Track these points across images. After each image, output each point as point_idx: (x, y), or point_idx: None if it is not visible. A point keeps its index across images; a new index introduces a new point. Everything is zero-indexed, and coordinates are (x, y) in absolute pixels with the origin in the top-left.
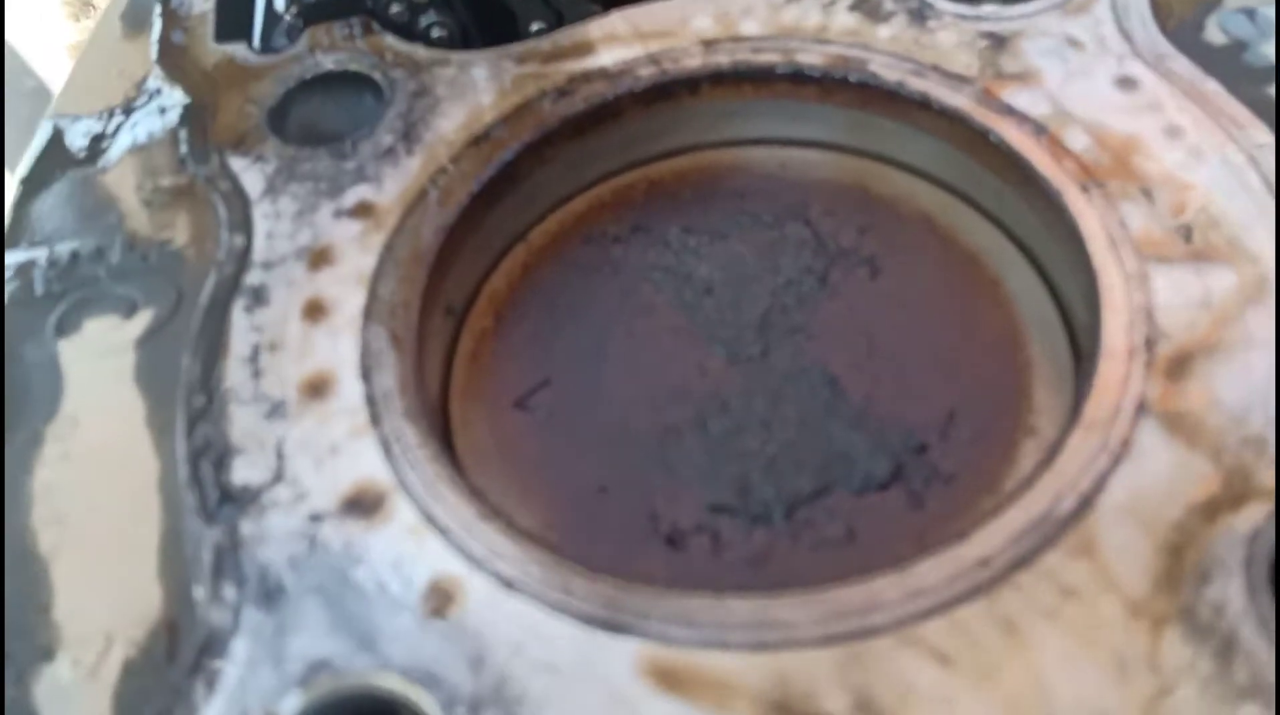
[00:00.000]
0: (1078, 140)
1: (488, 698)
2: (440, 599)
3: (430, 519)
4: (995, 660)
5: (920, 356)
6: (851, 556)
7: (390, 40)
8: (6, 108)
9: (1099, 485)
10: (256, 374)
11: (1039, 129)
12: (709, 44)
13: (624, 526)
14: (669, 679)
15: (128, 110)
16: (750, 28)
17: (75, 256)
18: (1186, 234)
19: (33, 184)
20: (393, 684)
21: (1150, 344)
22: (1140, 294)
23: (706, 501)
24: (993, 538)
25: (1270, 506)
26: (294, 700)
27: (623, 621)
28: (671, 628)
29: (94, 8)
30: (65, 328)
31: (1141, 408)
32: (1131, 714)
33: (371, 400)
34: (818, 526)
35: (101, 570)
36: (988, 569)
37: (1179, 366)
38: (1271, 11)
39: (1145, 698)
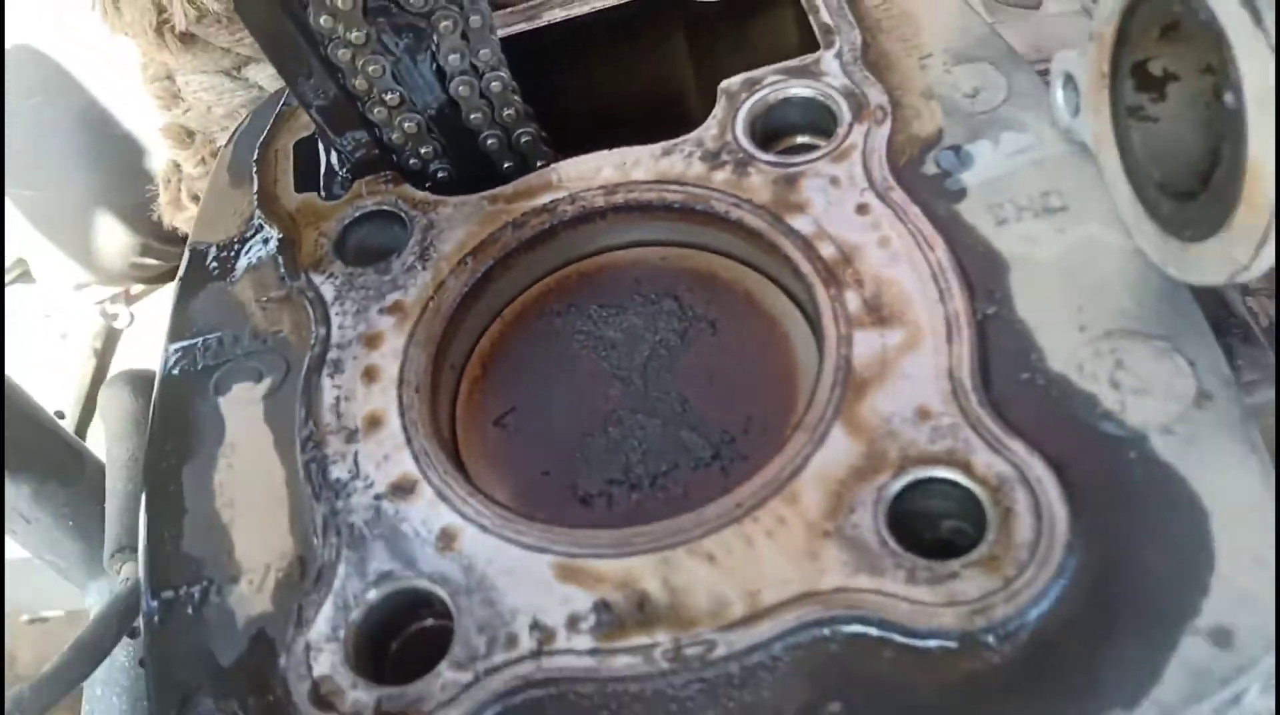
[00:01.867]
0: (827, 249)
1: (474, 589)
2: (447, 539)
3: (441, 495)
4: (739, 559)
5: (736, 383)
6: (683, 505)
7: (409, 188)
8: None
9: (805, 462)
10: (338, 414)
11: (805, 243)
12: (611, 189)
13: (556, 493)
14: (568, 574)
15: (242, 241)
16: (639, 174)
17: (221, 342)
18: (878, 310)
19: (185, 291)
20: (423, 584)
21: (844, 377)
22: (845, 347)
23: (605, 477)
24: (745, 492)
25: (892, 472)
26: (371, 594)
27: (545, 546)
28: (571, 548)
29: (182, 100)
30: (220, 389)
31: (834, 414)
32: (796, 586)
33: (406, 428)
34: (668, 489)
35: (258, 530)
36: (741, 509)
37: (859, 390)
38: (972, 147)
39: (809, 574)
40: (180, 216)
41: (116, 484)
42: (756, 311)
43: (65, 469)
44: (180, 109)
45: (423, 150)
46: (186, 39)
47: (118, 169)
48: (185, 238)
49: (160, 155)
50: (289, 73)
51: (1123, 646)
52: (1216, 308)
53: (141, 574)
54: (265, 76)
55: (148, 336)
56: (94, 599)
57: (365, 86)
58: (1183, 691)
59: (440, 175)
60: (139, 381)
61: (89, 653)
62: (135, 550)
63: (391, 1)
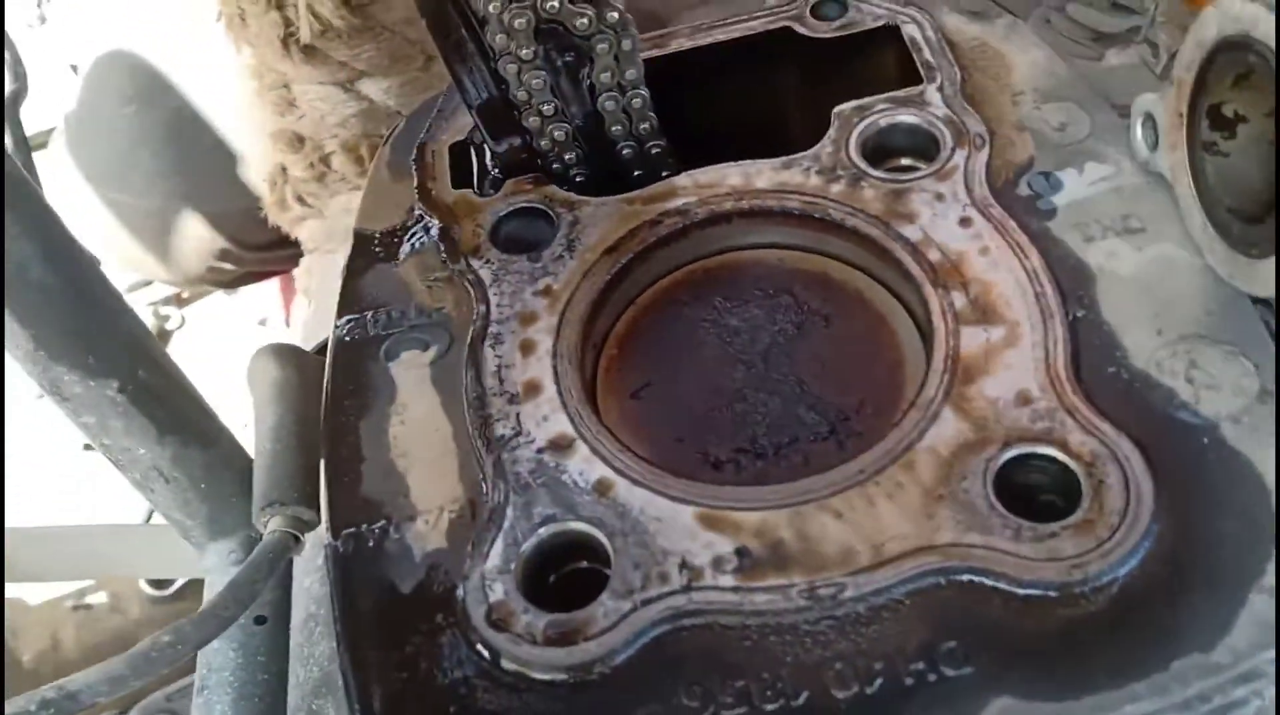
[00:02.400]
0: (934, 254)
1: (628, 532)
2: (603, 488)
3: (595, 451)
4: (862, 515)
5: (849, 370)
6: (804, 471)
7: (554, 188)
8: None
9: (920, 436)
10: (500, 380)
11: (914, 249)
12: (737, 193)
13: (691, 459)
14: (711, 522)
15: (404, 229)
16: (761, 183)
17: (389, 315)
18: (982, 310)
19: (353, 271)
20: (583, 526)
21: (952, 364)
22: (954, 340)
23: (734, 446)
24: (867, 459)
25: (998, 447)
26: (539, 532)
27: (690, 498)
28: (713, 500)
29: (296, 108)
30: (391, 355)
31: (944, 397)
32: (914, 540)
33: (561, 393)
34: (790, 458)
35: (431, 477)
36: (863, 474)
37: (967, 377)
38: (1061, 174)
39: (926, 530)
40: (285, 217)
41: (265, 444)
42: (866, 309)
43: (205, 434)
44: (294, 116)
45: (566, 156)
46: (308, 52)
47: (204, 176)
48: (262, 244)
49: (251, 163)
50: (460, 80)
51: (1199, 601)
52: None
53: (324, 515)
54: (376, 90)
55: (197, 338)
56: (212, 560)
57: (525, 97)
58: (1251, 640)
59: (578, 179)
60: (284, 353)
61: (243, 592)
62: (284, 504)
63: (560, 24)
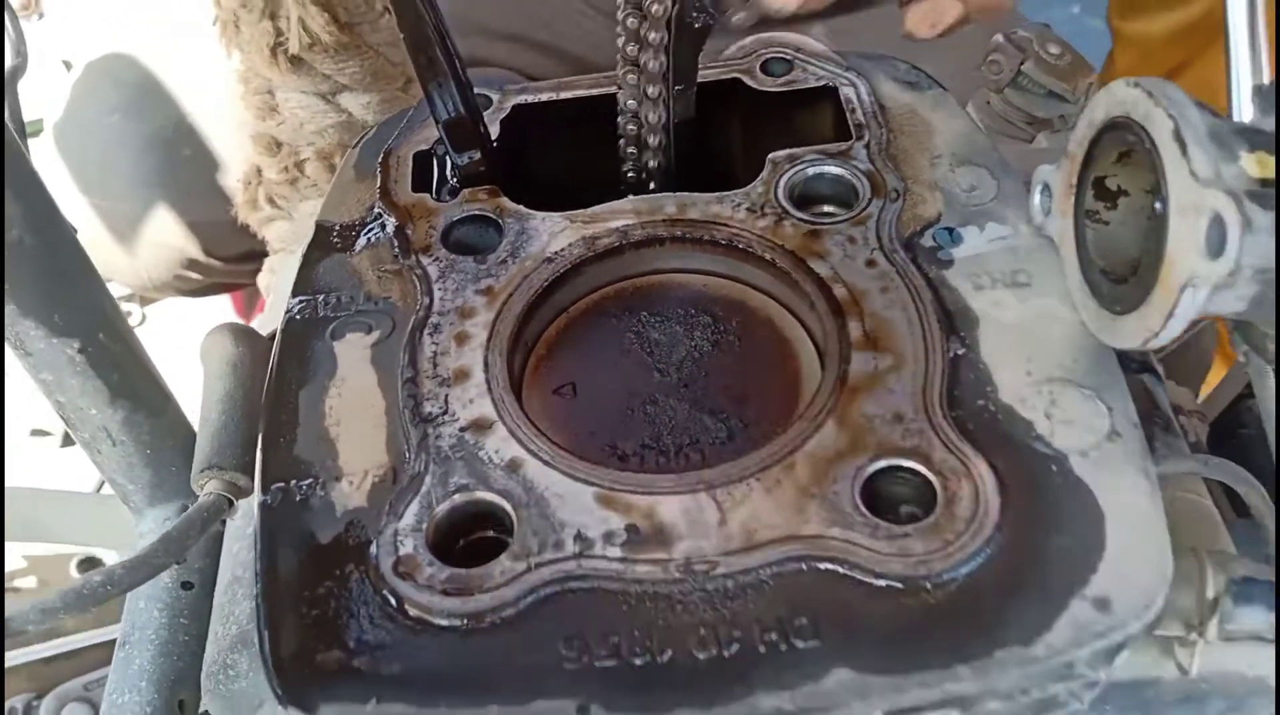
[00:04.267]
0: (839, 290)
1: (532, 505)
2: (514, 466)
3: (512, 433)
4: (741, 506)
5: (752, 385)
6: (699, 468)
7: (504, 201)
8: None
9: (803, 442)
10: (434, 365)
11: (821, 282)
12: (671, 220)
13: (599, 450)
14: (607, 501)
15: (363, 224)
16: (694, 214)
17: (339, 299)
18: (874, 340)
19: (310, 257)
20: (493, 496)
21: (840, 384)
22: (845, 363)
23: (640, 442)
24: (752, 460)
25: (869, 456)
26: (446, 504)
27: (591, 479)
28: (611, 483)
29: (278, 113)
30: (336, 335)
31: (829, 411)
32: (784, 530)
33: (488, 381)
34: (689, 457)
35: (360, 445)
36: (747, 471)
37: (851, 396)
38: (963, 230)
39: (795, 523)
40: (255, 216)
41: (210, 413)
42: (775, 333)
43: (154, 402)
44: (275, 121)
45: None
46: (295, 62)
47: (183, 186)
48: (231, 257)
49: (226, 174)
50: (430, 95)
51: (1027, 602)
52: (1147, 404)
53: (258, 471)
54: (356, 104)
55: (156, 337)
56: (148, 525)
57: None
58: (1067, 639)
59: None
60: (238, 332)
61: (174, 545)
62: (222, 469)
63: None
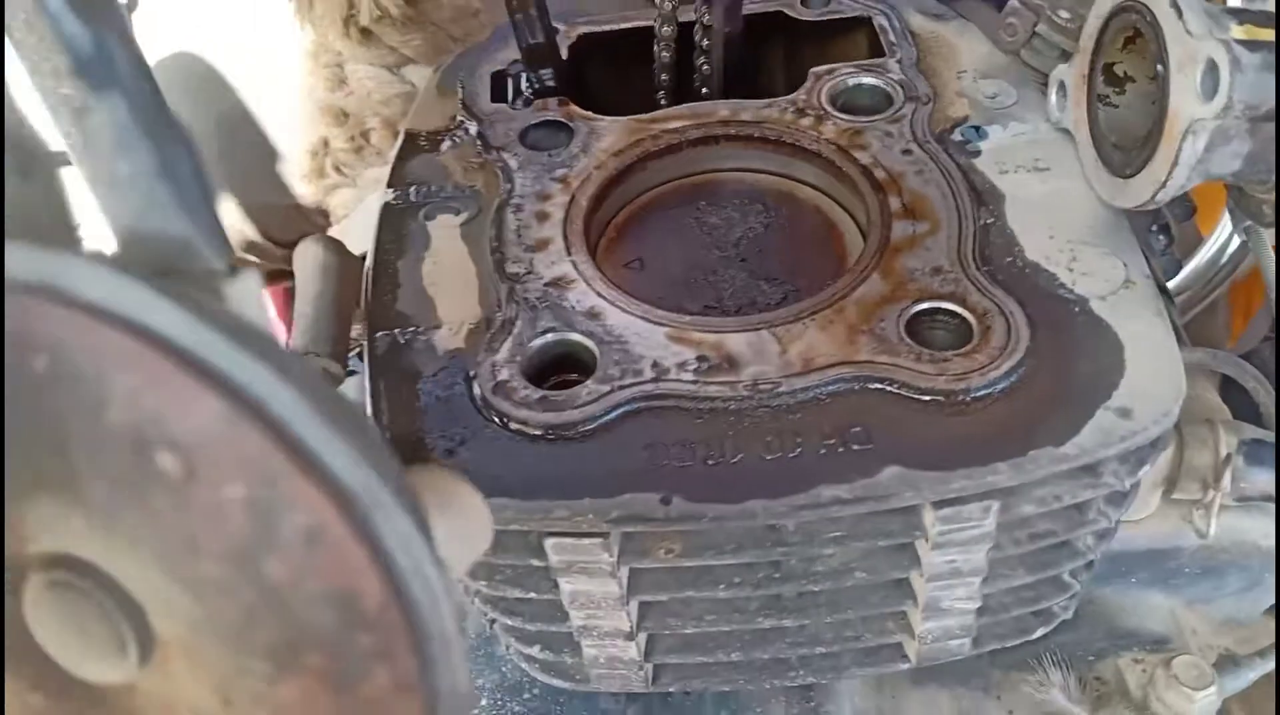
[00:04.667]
0: (879, 173)
1: (613, 342)
2: (594, 313)
3: (590, 286)
4: (798, 340)
5: (802, 258)
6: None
7: (574, 108)
8: None
9: (851, 291)
10: (518, 235)
11: (862, 168)
12: (724, 122)
13: (669, 309)
14: (678, 337)
15: (448, 130)
16: (746, 116)
17: (430, 188)
18: (912, 211)
19: (401, 156)
20: (577, 337)
21: (883, 245)
22: (886, 229)
23: (703, 304)
24: (806, 304)
25: (911, 300)
26: (542, 337)
27: (662, 321)
28: (681, 322)
29: (346, 84)
30: (429, 217)
31: (874, 266)
32: (838, 356)
33: (567, 247)
34: (750, 316)
35: (456, 300)
36: (802, 313)
37: (893, 254)
38: (989, 128)
39: (848, 351)
40: (321, 183)
41: (305, 308)
42: (821, 217)
43: None
44: (343, 93)
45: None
46: (365, 34)
47: (241, 172)
48: (288, 242)
49: (284, 161)
50: (516, 22)
51: (1057, 412)
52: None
53: (364, 319)
54: (419, 77)
55: None
56: None
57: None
58: (1094, 440)
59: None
60: (329, 241)
61: None
62: (316, 356)
63: None
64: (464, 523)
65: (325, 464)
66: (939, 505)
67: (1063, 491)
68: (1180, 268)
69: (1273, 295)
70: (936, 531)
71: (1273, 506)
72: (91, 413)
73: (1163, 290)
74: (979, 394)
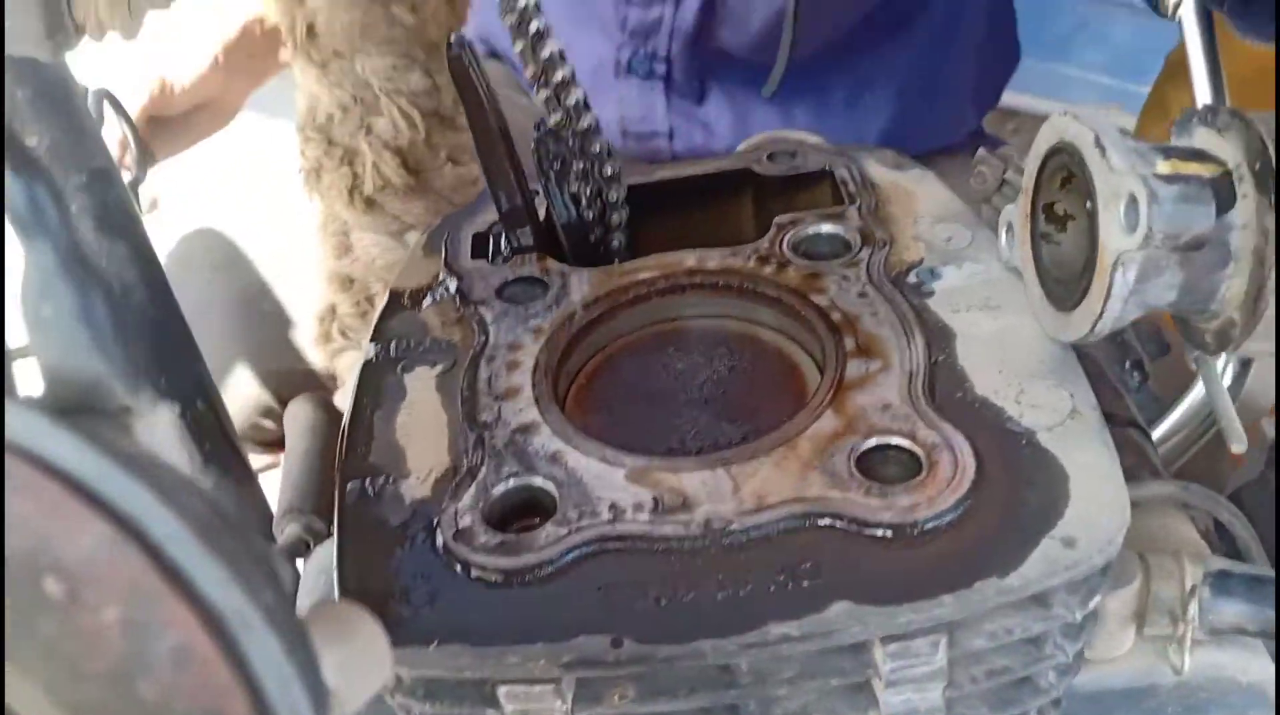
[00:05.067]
0: (835, 315)
1: (573, 485)
2: (557, 458)
3: (555, 432)
4: (752, 479)
5: (763, 399)
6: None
7: (551, 262)
8: None
9: (805, 428)
10: (489, 386)
11: (820, 310)
12: (691, 271)
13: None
14: (636, 478)
15: (430, 288)
16: (711, 265)
17: (409, 343)
18: (865, 350)
19: (385, 314)
20: (539, 481)
21: (837, 384)
22: (840, 367)
23: (666, 447)
24: (762, 443)
25: (862, 436)
26: (500, 487)
27: (622, 463)
28: (640, 465)
29: (352, 251)
30: (407, 369)
31: (827, 404)
32: (790, 493)
33: (535, 396)
34: (707, 455)
35: (425, 450)
36: (758, 452)
37: (846, 392)
38: (943, 269)
39: (799, 487)
40: (328, 347)
41: (291, 466)
42: (783, 359)
43: (239, 473)
44: (349, 259)
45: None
46: (369, 203)
47: (258, 340)
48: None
49: (298, 328)
50: (494, 189)
51: (1002, 543)
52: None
53: (336, 472)
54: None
55: None
56: None
57: (557, 200)
58: (1040, 570)
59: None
60: (318, 400)
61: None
62: (301, 512)
63: (575, 160)
64: (360, 654)
65: (196, 585)
66: (887, 640)
67: (1013, 624)
68: (1159, 404)
69: (1224, 422)
70: (888, 669)
71: (1249, 640)
72: None
73: (1136, 425)
74: (926, 527)
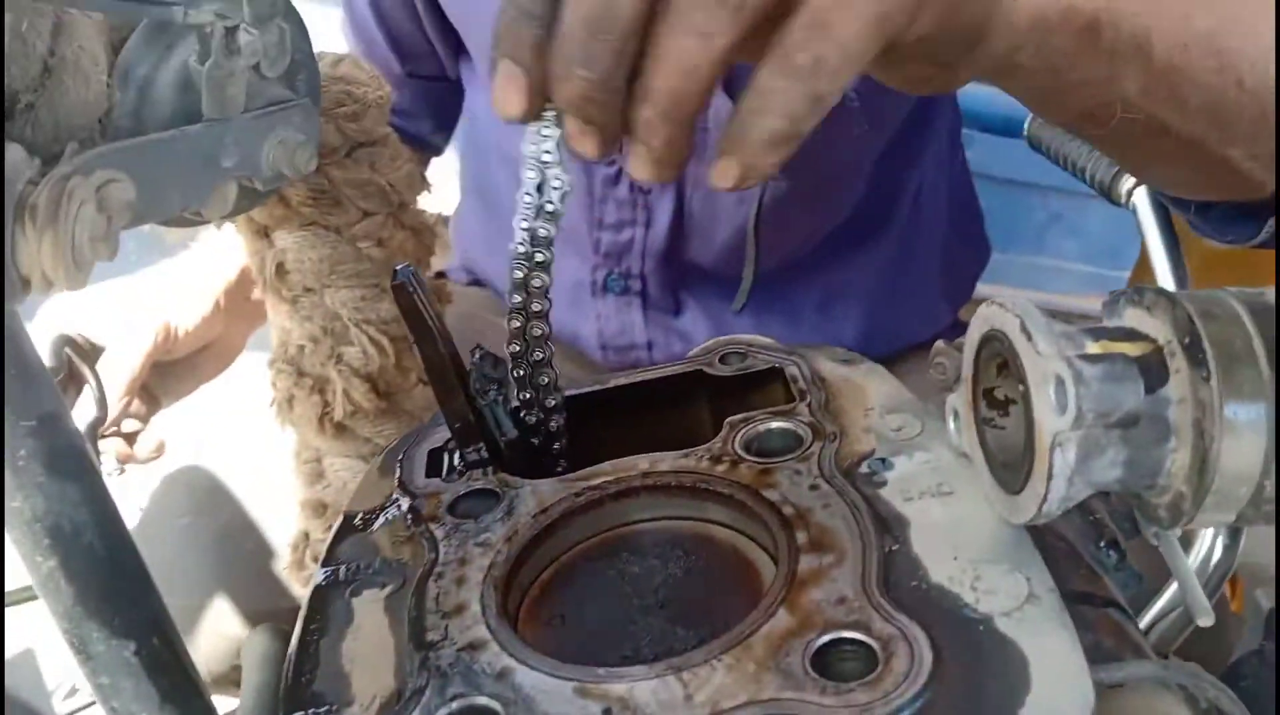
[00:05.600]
0: (788, 509)
1: (520, 703)
2: (504, 674)
3: (503, 648)
4: (705, 684)
5: (719, 599)
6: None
7: (503, 475)
8: None
9: (758, 628)
10: (437, 603)
11: (771, 505)
12: (644, 474)
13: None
14: (583, 692)
15: (382, 509)
16: (664, 467)
17: (359, 566)
18: (818, 544)
19: (336, 539)
20: (484, 700)
21: (790, 580)
22: (794, 563)
23: (621, 655)
24: (715, 646)
25: (817, 632)
26: (444, 710)
27: (570, 677)
28: (589, 678)
29: (324, 477)
30: (355, 593)
31: (781, 601)
32: (743, 697)
33: (484, 611)
34: (659, 663)
35: (370, 675)
36: (710, 655)
37: (800, 588)
38: (894, 459)
39: (753, 690)
40: (301, 575)
41: (246, 702)
42: (738, 557)
43: (198, 708)
44: (321, 485)
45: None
46: (339, 428)
47: (240, 579)
48: None
49: (280, 561)
50: (446, 410)
51: None
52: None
53: (282, 700)
54: None
55: None
56: None
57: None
58: None
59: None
60: (275, 630)
61: None
62: None
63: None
64: None
65: None
66: None
67: None
68: (1141, 582)
69: (1188, 597)
70: None
71: None
72: None
73: (1115, 604)
74: None
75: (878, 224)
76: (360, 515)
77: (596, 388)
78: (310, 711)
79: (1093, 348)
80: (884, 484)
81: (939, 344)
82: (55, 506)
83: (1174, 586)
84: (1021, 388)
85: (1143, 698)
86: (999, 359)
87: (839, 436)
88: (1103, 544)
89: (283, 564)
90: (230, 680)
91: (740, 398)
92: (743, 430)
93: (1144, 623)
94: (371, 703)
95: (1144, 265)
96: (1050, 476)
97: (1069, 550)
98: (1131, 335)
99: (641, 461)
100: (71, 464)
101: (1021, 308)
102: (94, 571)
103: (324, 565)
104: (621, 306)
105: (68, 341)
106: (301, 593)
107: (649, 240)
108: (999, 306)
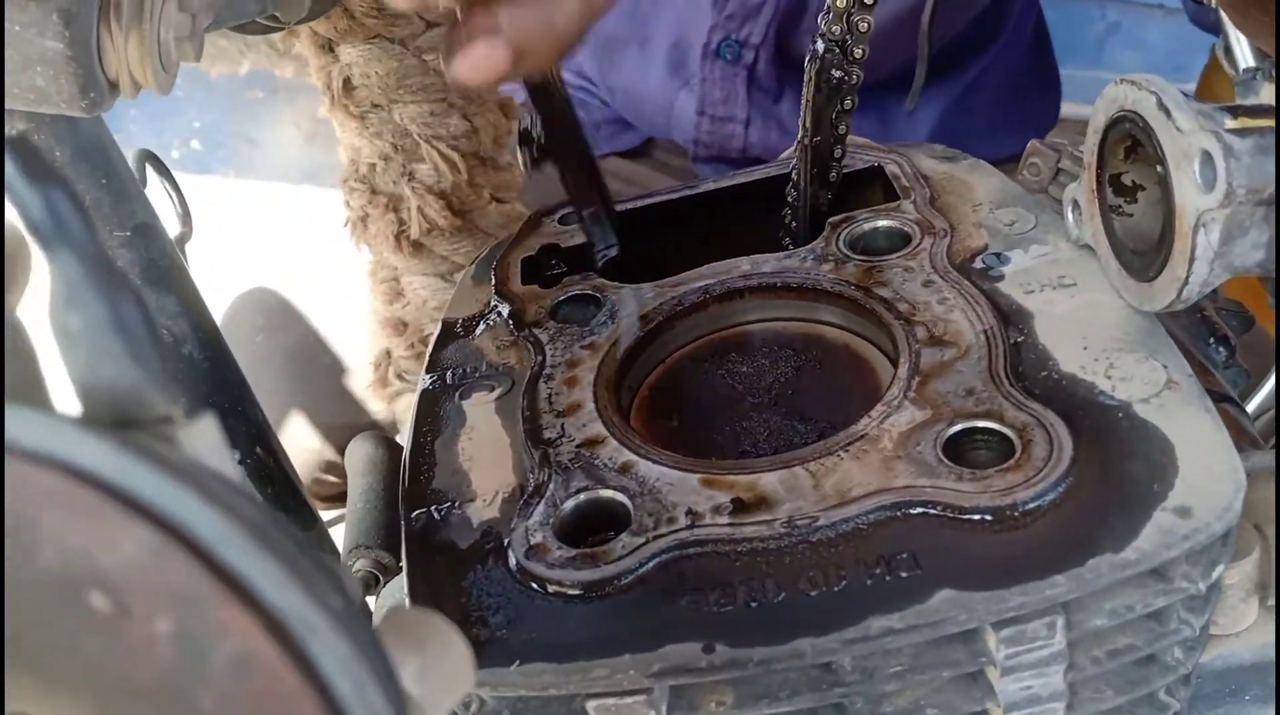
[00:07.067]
0: (902, 306)
1: (645, 494)
2: (626, 468)
3: (622, 443)
4: (833, 473)
5: (834, 396)
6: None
7: (601, 280)
8: None
9: (883, 421)
10: (550, 403)
11: (886, 302)
12: (747, 275)
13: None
14: (710, 482)
15: (481, 316)
16: (766, 268)
17: (465, 370)
18: (939, 338)
19: (439, 344)
20: (610, 494)
21: (913, 373)
22: (915, 358)
23: (739, 451)
24: (839, 438)
25: (946, 423)
26: (570, 502)
27: (695, 468)
28: (714, 469)
29: (403, 296)
30: (464, 396)
31: (905, 395)
32: (875, 485)
33: (598, 408)
34: (782, 454)
35: (489, 472)
36: (835, 446)
37: (924, 381)
38: (1010, 253)
39: (885, 478)
40: (384, 392)
41: (356, 504)
42: (850, 355)
43: (304, 518)
44: (400, 303)
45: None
46: (416, 247)
47: (316, 394)
48: None
49: (354, 377)
50: (576, 199)
51: (1112, 518)
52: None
53: (401, 501)
54: None
55: None
56: None
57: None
58: (1155, 542)
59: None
60: (377, 438)
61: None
62: (369, 548)
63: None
64: (439, 661)
65: (252, 587)
66: (999, 626)
67: (1134, 600)
68: (1249, 378)
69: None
70: (1003, 655)
71: None
72: (26, 560)
73: (1230, 399)
74: (1027, 508)
75: (977, 42)
76: (460, 322)
77: (686, 193)
78: (433, 508)
79: (1232, 124)
80: (1001, 278)
81: (1033, 143)
82: (154, 318)
83: (1267, 387)
84: (1159, 169)
85: (1263, 490)
86: (1127, 143)
87: (949, 233)
88: (1212, 340)
89: (360, 381)
90: (311, 493)
91: (839, 200)
92: (846, 229)
93: None
94: (494, 497)
95: (1209, 80)
96: (1192, 259)
97: (1181, 347)
98: (1268, 111)
99: (742, 263)
100: (168, 274)
101: (1157, 84)
102: (197, 383)
103: (428, 371)
104: (728, 75)
105: (148, 156)
106: (385, 410)
107: (780, 5)
108: (1130, 83)
